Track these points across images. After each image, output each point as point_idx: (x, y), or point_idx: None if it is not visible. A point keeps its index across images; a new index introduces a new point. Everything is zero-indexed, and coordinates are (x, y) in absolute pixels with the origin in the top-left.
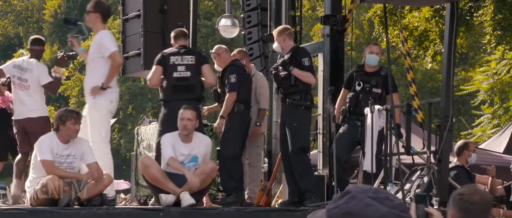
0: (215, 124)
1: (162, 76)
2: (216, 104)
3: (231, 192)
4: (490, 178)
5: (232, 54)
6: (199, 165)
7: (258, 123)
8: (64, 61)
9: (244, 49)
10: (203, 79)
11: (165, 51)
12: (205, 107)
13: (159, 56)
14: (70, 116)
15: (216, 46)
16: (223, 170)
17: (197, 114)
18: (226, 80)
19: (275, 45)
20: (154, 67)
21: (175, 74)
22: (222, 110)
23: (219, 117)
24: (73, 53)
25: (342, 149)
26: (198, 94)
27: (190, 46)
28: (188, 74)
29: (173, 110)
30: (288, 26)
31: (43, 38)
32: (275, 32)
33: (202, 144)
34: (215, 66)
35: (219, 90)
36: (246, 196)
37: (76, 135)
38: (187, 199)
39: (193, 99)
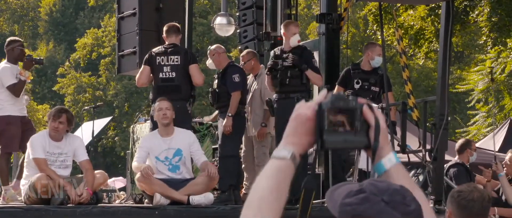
0: (223, 123)
1: (152, 75)
2: (217, 112)
3: (227, 190)
4: (486, 180)
5: (241, 54)
6: (184, 158)
7: (263, 124)
8: (30, 64)
9: (254, 50)
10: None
11: (153, 50)
12: (206, 117)
13: (147, 55)
14: (52, 114)
15: (216, 45)
16: (222, 168)
17: (173, 107)
18: (228, 79)
19: (293, 39)
20: (142, 67)
21: (160, 75)
22: (229, 108)
23: (227, 116)
24: (40, 58)
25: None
26: (184, 94)
27: (186, 43)
28: (174, 74)
29: None
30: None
31: (16, 39)
32: (287, 26)
33: (184, 137)
34: (209, 61)
35: (218, 90)
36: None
37: (53, 133)
38: (198, 199)
39: (179, 100)
